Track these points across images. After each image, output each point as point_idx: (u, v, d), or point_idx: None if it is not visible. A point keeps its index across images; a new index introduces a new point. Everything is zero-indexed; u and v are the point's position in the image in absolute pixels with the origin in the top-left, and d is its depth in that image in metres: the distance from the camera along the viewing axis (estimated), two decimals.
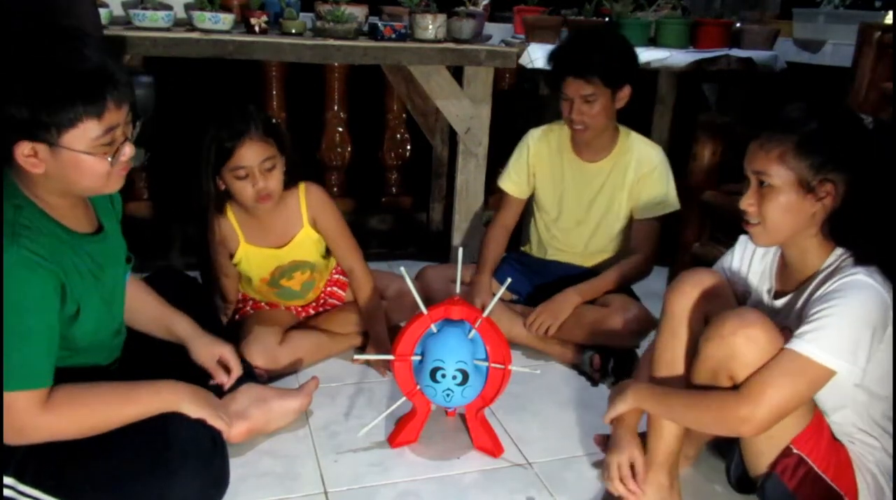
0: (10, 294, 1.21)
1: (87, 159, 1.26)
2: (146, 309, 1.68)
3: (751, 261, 1.56)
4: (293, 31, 2.57)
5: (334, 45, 2.45)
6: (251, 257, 2.04)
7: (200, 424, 1.45)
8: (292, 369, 2.05)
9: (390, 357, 1.70)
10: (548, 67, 2.20)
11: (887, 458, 1.40)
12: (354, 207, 3.16)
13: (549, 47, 2.40)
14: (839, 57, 2.64)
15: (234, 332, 2.01)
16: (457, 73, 2.66)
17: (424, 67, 2.58)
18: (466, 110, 2.67)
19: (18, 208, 1.28)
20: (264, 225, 2.01)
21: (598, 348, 2.11)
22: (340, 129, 3.12)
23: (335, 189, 3.18)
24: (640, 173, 2.20)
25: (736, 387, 1.34)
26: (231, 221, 2.01)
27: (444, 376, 1.61)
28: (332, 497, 1.57)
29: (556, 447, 1.79)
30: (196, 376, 1.55)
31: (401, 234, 3.24)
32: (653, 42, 2.79)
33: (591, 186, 2.25)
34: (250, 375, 1.79)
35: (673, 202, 2.22)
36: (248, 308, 2.18)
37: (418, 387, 1.68)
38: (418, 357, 1.67)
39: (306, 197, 2.03)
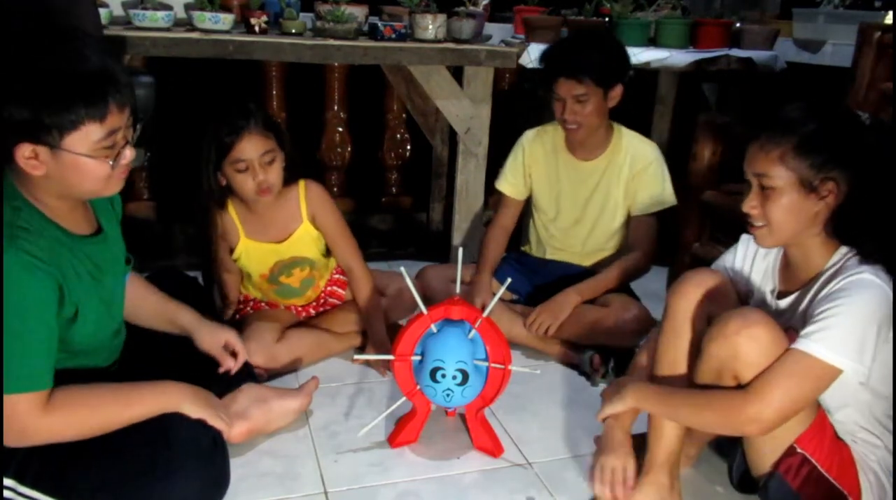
0: (8, 297, 1.20)
1: (88, 162, 1.26)
2: (148, 304, 1.68)
3: (753, 260, 1.56)
4: (293, 31, 2.57)
5: (334, 45, 2.45)
6: (251, 252, 2.05)
7: (201, 424, 1.45)
8: (291, 367, 2.05)
9: (390, 357, 1.70)
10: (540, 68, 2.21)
11: (889, 457, 1.40)
12: (354, 207, 3.16)
13: None
14: (839, 57, 2.64)
15: None
16: (457, 74, 2.66)
17: (424, 67, 2.58)
18: (466, 110, 2.67)
19: (17, 210, 1.28)
20: (264, 220, 2.03)
21: (598, 348, 2.11)
22: (340, 129, 3.12)
23: (335, 189, 3.18)
24: (636, 170, 2.20)
25: (740, 387, 1.34)
26: (232, 215, 2.03)
27: (444, 376, 1.61)
28: (332, 497, 1.57)
29: (556, 447, 1.79)
30: (196, 376, 1.55)
31: (401, 234, 3.24)
32: (653, 42, 2.79)
33: (586, 185, 2.26)
34: (250, 375, 1.79)
35: (669, 198, 2.23)
36: (249, 308, 2.18)
37: (418, 387, 1.68)
38: (418, 357, 1.67)
39: (306, 194, 2.05)
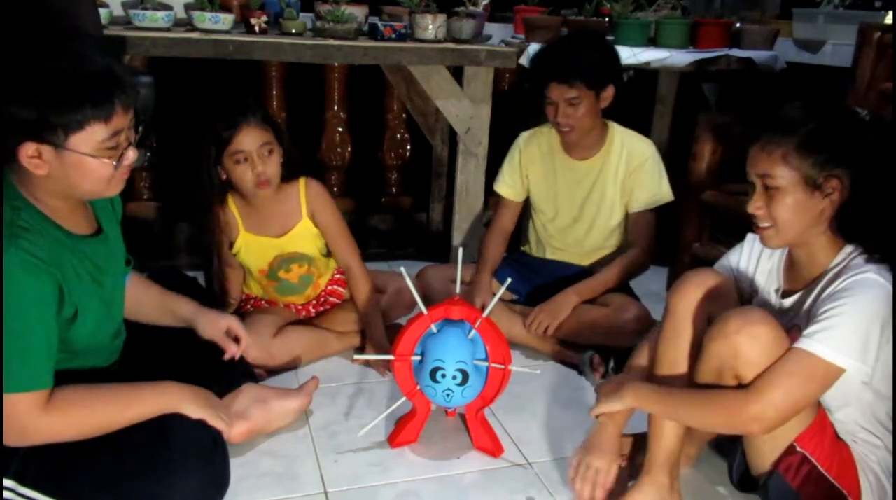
0: (8, 296, 1.21)
1: (91, 162, 1.26)
2: (148, 299, 1.68)
3: (758, 260, 1.56)
4: (293, 31, 2.57)
5: (334, 45, 2.45)
6: (250, 246, 2.07)
7: (201, 424, 1.45)
8: (289, 365, 2.06)
9: (390, 357, 1.70)
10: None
11: (890, 457, 1.40)
12: (354, 207, 3.16)
13: None
14: (839, 57, 2.64)
15: None
16: (457, 74, 2.66)
17: (424, 67, 2.58)
18: (466, 110, 2.67)
19: (17, 210, 1.28)
20: (264, 215, 2.05)
21: (597, 348, 2.11)
22: (340, 129, 3.11)
23: (335, 189, 3.17)
24: (632, 167, 2.21)
25: (741, 386, 1.34)
26: (232, 210, 2.06)
27: (444, 376, 1.61)
28: (332, 497, 1.57)
29: (556, 447, 1.79)
30: (196, 376, 1.55)
31: (401, 234, 3.24)
32: (653, 42, 2.79)
33: (583, 184, 2.26)
34: (250, 375, 1.79)
35: (666, 194, 2.23)
36: (249, 306, 2.20)
37: (418, 387, 1.68)
38: (418, 357, 1.67)
39: (306, 191, 2.07)
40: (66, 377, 1.33)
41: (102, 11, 2.34)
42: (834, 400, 1.39)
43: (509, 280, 1.87)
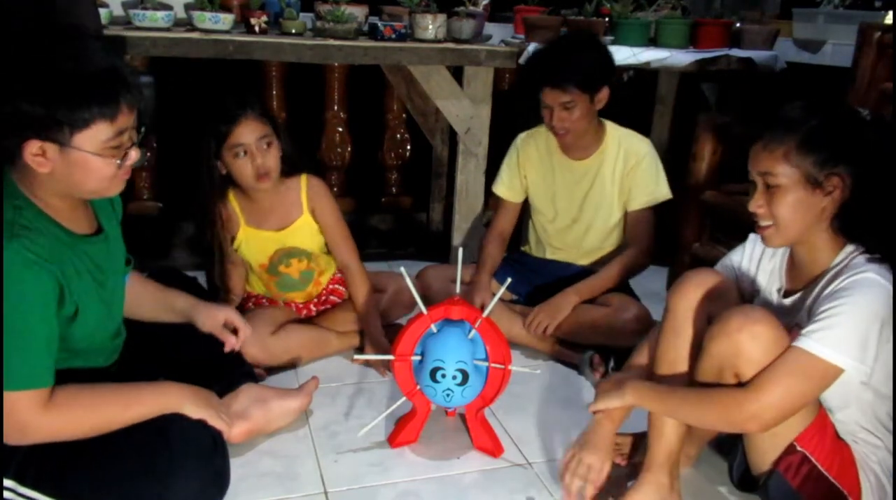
0: (9, 294, 1.21)
1: (95, 161, 1.27)
2: (146, 295, 1.69)
3: (760, 259, 1.56)
4: (293, 31, 2.57)
5: (334, 45, 2.45)
6: (251, 240, 2.09)
7: (201, 424, 1.45)
8: (288, 363, 2.07)
9: (390, 357, 1.70)
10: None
11: (890, 458, 1.40)
12: (354, 207, 3.15)
13: None
14: (839, 57, 2.64)
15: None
16: (457, 74, 2.66)
17: (424, 67, 2.58)
18: (466, 110, 2.67)
19: (18, 209, 1.28)
20: (265, 209, 2.07)
21: (597, 348, 2.11)
22: (340, 129, 3.11)
23: (335, 189, 3.17)
24: (629, 166, 2.21)
25: (741, 384, 1.34)
26: (233, 204, 2.08)
27: (444, 376, 1.61)
28: (332, 497, 1.57)
29: (556, 447, 1.79)
30: (196, 376, 1.55)
31: (401, 234, 3.24)
32: (653, 42, 2.78)
33: (581, 184, 2.26)
34: (250, 375, 1.79)
35: (664, 192, 2.24)
36: (250, 304, 2.21)
37: (418, 387, 1.68)
38: (418, 357, 1.67)
39: (308, 187, 2.09)
40: (66, 377, 1.33)
41: (102, 11, 2.34)
42: (834, 400, 1.39)
43: (509, 280, 1.87)
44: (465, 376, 1.62)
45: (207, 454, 1.43)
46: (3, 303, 1.20)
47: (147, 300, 1.69)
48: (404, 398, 1.72)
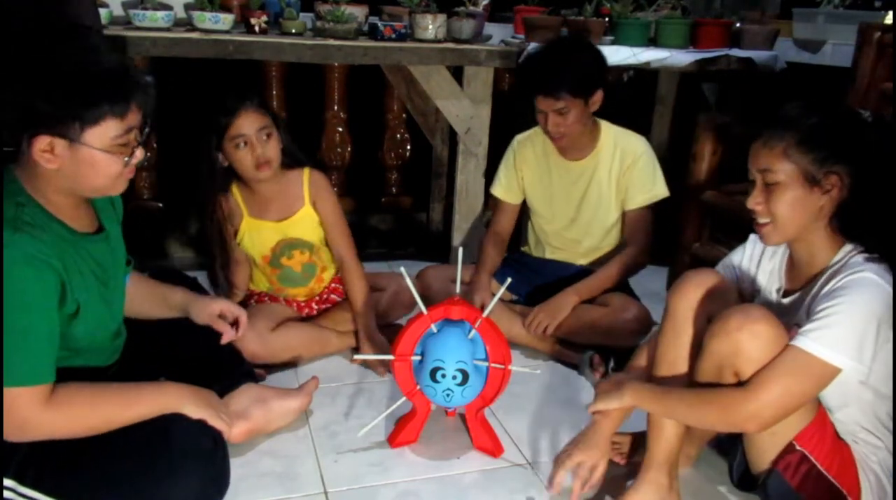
0: (11, 291, 1.21)
1: (103, 159, 1.28)
2: (141, 291, 1.69)
3: (760, 259, 1.56)
4: (293, 31, 2.57)
5: (334, 45, 2.45)
6: (253, 231, 2.11)
7: (201, 424, 1.45)
8: (288, 360, 2.07)
9: (390, 357, 1.70)
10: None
11: (890, 458, 1.40)
12: (354, 207, 3.15)
13: None
14: (839, 57, 2.64)
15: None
16: (457, 74, 2.66)
17: (424, 67, 2.58)
18: (466, 110, 2.67)
19: (21, 206, 1.28)
20: (267, 200, 2.10)
21: (597, 348, 2.11)
22: (340, 129, 3.11)
23: (335, 189, 3.16)
24: (625, 165, 2.21)
25: (741, 383, 1.34)
26: (236, 197, 2.11)
27: (444, 376, 1.61)
28: (332, 497, 1.57)
29: (556, 447, 1.78)
30: (196, 376, 1.55)
31: (401, 234, 3.24)
32: (653, 42, 2.78)
33: (578, 184, 2.27)
34: (250, 375, 1.79)
35: (661, 190, 2.24)
36: (252, 302, 2.22)
37: (418, 387, 1.68)
38: (418, 357, 1.67)
39: (310, 180, 2.13)
40: (66, 376, 1.33)
41: (102, 11, 2.34)
42: (833, 400, 1.39)
43: (509, 280, 1.87)
44: (465, 376, 1.62)
45: (207, 454, 1.43)
46: (5, 298, 1.20)
47: (142, 296, 1.69)
48: (404, 398, 1.72)
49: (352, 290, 2.16)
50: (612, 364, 2.08)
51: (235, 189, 2.10)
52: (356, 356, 2.01)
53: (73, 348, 1.40)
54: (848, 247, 1.37)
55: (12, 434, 1.26)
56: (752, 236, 1.56)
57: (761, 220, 1.39)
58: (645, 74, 3.06)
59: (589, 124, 2.19)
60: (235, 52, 2.36)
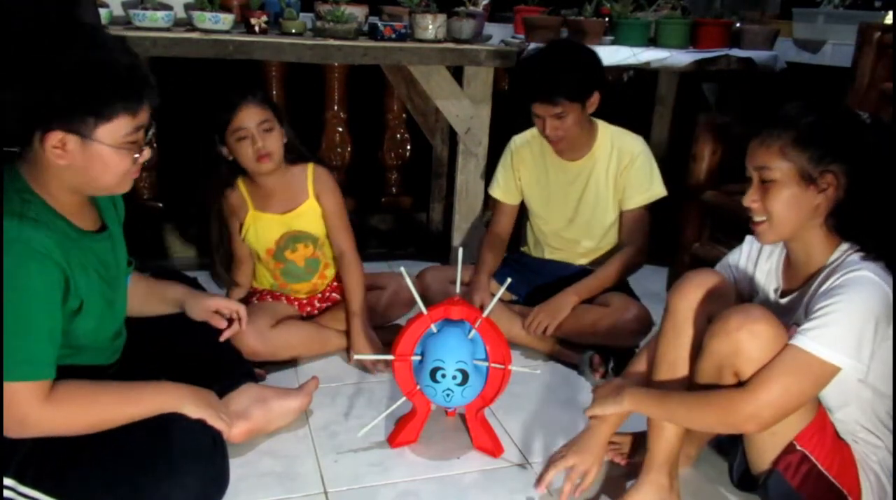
0: (15, 286, 1.21)
1: (113, 155, 1.29)
2: (140, 290, 1.69)
3: (757, 260, 1.56)
4: (293, 31, 2.57)
5: (334, 45, 2.45)
6: (258, 223, 2.13)
7: (201, 424, 1.45)
8: (288, 358, 2.08)
9: (390, 357, 1.70)
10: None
11: (890, 457, 1.40)
12: (354, 207, 3.14)
13: None
14: (839, 57, 2.64)
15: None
16: (457, 74, 2.66)
17: (424, 67, 2.58)
18: (466, 110, 2.67)
19: (27, 202, 1.29)
20: (272, 193, 2.13)
21: (598, 348, 2.11)
22: (340, 129, 3.11)
23: None
24: (623, 164, 2.21)
25: (741, 383, 1.34)
26: (241, 191, 2.14)
27: (444, 376, 1.61)
28: (332, 497, 1.57)
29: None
30: (196, 376, 1.55)
31: (401, 234, 3.24)
32: (653, 42, 2.78)
33: (575, 185, 2.27)
34: (250, 375, 1.79)
35: (659, 190, 2.24)
36: (254, 300, 2.23)
37: (418, 387, 1.68)
38: (418, 357, 1.67)
39: (314, 174, 2.15)
40: (66, 374, 1.33)
41: (102, 11, 2.35)
42: (832, 399, 1.39)
43: (509, 280, 1.87)
44: (465, 376, 1.62)
45: (207, 454, 1.43)
46: (8, 293, 1.20)
47: (141, 294, 1.69)
48: (404, 398, 1.72)
49: (349, 282, 2.15)
50: (611, 364, 2.08)
51: (241, 183, 2.13)
52: (357, 356, 2.01)
53: (75, 345, 1.40)
54: (844, 246, 1.37)
55: (12, 430, 1.26)
56: (750, 237, 1.56)
57: (757, 218, 1.39)
58: (645, 74, 3.06)
59: (586, 126, 2.19)
60: (235, 52, 2.36)
